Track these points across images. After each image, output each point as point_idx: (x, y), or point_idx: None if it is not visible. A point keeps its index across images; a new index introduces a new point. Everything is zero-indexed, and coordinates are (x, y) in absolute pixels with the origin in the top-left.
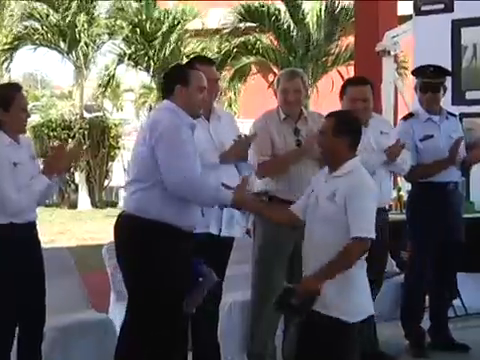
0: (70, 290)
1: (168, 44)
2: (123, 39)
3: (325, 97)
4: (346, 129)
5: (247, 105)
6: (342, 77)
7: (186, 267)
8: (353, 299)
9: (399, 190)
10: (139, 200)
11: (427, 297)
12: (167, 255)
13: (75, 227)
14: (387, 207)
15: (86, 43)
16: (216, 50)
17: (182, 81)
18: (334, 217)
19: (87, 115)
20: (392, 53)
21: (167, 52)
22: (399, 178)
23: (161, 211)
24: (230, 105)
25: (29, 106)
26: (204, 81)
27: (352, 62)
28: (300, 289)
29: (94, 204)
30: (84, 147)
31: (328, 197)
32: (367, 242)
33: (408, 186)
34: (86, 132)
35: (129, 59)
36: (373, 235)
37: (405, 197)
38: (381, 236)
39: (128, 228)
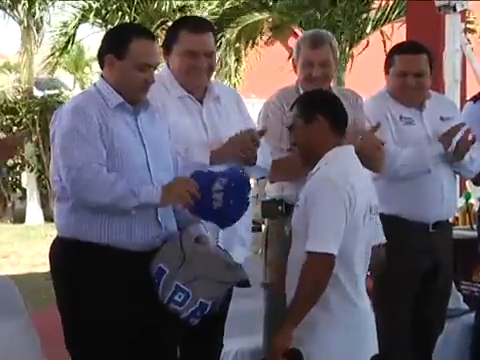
0: (16, 335)
1: None
2: None
3: (365, 69)
4: (319, 105)
5: (258, 79)
6: (388, 40)
7: (127, 295)
8: (329, 334)
9: (468, 198)
10: (56, 212)
11: None
12: (94, 284)
13: (22, 248)
14: (451, 221)
15: None
16: (216, 3)
17: (115, 50)
18: (294, 226)
19: (38, 93)
20: (459, 9)
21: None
22: (468, 182)
23: (78, 225)
24: (230, 77)
25: None
26: (150, 56)
27: (403, 21)
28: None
29: (48, 217)
30: (34, 137)
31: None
32: (325, 258)
33: None
34: (36, 117)
35: (96, 16)
36: (331, 249)
37: (476, 207)
38: (443, 260)
39: (50, 250)
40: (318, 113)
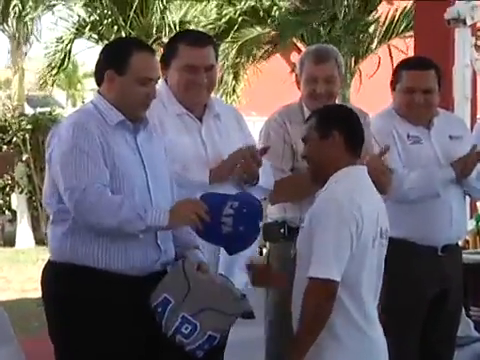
0: None
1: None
2: (85, 4)
3: (372, 85)
4: (335, 120)
5: (259, 97)
6: (400, 51)
7: (124, 321)
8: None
9: (478, 220)
10: (50, 236)
11: None
12: (89, 310)
13: (12, 273)
14: (461, 244)
15: (21, 2)
16: (214, 17)
17: (115, 65)
18: (299, 248)
19: (30, 111)
20: (468, 23)
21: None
22: (479, 204)
23: (74, 249)
24: (227, 95)
25: None
26: (151, 70)
27: (410, 35)
28: None
29: (39, 240)
30: (24, 157)
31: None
32: (327, 284)
33: None
34: (28, 135)
35: (91, 30)
36: (334, 275)
37: None
38: (452, 285)
39: (42, 275)
40: (334, 129)
